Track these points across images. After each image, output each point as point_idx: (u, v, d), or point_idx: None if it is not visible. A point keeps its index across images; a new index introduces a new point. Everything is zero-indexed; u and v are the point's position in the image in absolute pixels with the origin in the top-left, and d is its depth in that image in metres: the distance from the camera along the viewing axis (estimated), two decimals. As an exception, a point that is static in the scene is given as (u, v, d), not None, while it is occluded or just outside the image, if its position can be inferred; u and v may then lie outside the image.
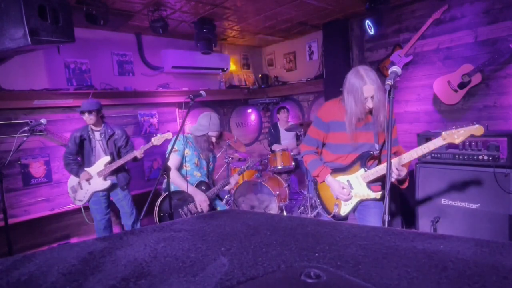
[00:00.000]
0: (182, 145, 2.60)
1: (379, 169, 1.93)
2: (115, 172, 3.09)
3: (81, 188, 3.06)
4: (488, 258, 0.60)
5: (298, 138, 4.72)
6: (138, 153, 2.94)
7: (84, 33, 3.76)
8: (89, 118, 2.94)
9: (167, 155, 2.29)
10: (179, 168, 2.64)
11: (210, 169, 2.85)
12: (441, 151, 2.87)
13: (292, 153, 4.33)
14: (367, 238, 0.73)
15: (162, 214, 2.52)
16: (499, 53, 3.19)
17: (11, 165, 3.32)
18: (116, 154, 3.11)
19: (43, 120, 2.84)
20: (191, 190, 2.56)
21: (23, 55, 3.27)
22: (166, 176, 2.10)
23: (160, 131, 4.50)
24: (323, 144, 2.16)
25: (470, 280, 0.52)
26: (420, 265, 0.58)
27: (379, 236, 0.73)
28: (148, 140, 2.86)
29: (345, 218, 2.12)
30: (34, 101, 3.40)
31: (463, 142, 2.70)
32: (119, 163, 2.98)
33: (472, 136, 1.65)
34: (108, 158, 3.03)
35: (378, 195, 1.98)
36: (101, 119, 3.05)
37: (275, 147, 4.70)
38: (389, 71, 1.57)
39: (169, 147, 2.60)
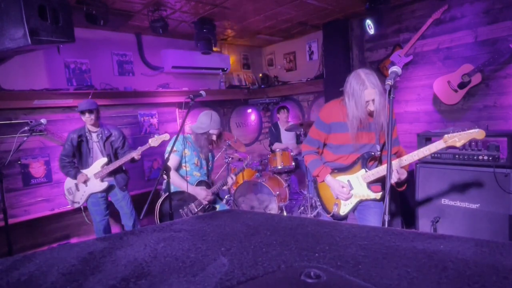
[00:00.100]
0: (181, 145, 2.60)
1: (380, 170, 1.94)
2: (113, 173, 3.08)
3: (78, 190, 3.05)
4: (488, 258, 0.60)
5: (298, 138, 4.72)
6: (135, 154, 2.91)
7: (84, 33, 3.76)
8: (89, 118, 2.94)
9: (166, 155, 2.29)
10: (178, 169, 2.64)
11: (209, 168, 2.85)
12: (441, 151, 2.87)
13: (292, 153, 4.33)
14: (367, 238, 0.73)
15: (163, 215, 2.52)
16: (499, 53, 3.19)
17: (11, 165, 3.31)
18: (113, 155, 3.09)
19: (43, 120, 2.84)
20: (191, 189, 2.56)
21: (23, 55, 3.26)
22: (166, 177, 2.10)
23: (160, 131, 4.50)
24: (324, 145, 2.17)
25: (470, 280, 0.52)
26: (420, 265, 0.58)
27: (379, 236, 0.73)
28: (148, 140, 2.85)
29: (345, 217, 2.13)
30: (34, 101, 3.40)
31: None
32: (116, 164, 2.97)
33: (474, 139, 1.66)
34: (105, 160, 3.01)
35: (378, 195, 1.99)
36: (98, 120, 3.05)
37: (276, 146, 4.70)
38: (389, 71, 1.57)
39: (168, 148, 2.60)
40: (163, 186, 2.67)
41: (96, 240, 0.83)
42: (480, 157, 2.63)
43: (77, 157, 3.04)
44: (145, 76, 4.50)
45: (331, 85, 4.35)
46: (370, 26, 3.92)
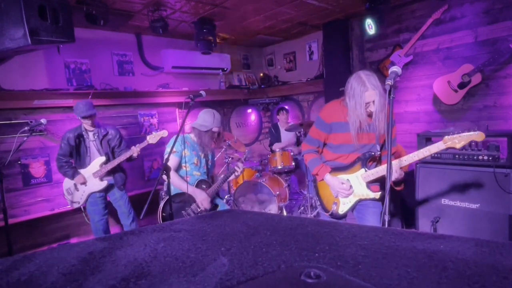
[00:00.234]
0: (181, 146, 2.60)
1: (380, 170, 1.96)
2: (111, 172, 3.07)
3: (77, 190, 3.04)
4: (488, 258, 0.60)
5: (298, 139, 4.72)
6: (134, 151, 2.89)
7: (84, 33, 3.76)
8: (90, 122, 2.94)
9: (166, 155, 2.29)
10: (178, 169, 2.64)
11: (209, 167, 2.85)
12: (441, 152, 2.87)
13: (292, 153, 4.33)
14: (367, 238, 0.73)
15: (165, 217, 2.51)
16: (499, 53, 3.19)
17: (11, 165, 3.31)
18: (111, 154, 3.09)
19: (43, 120, 2.83)
20: (191, 190, 2.56)
21: (23, 55, 3.26)
22: (166, 177, 2.10)
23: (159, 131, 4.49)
24: (324, 144, 2.19)
25: (470, 280, 0.52)
26: (420, 265, 0.58)
27: (379, 236, 0.73)
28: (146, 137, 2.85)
29: (344, 216, 2.15)
30: (34, 101, 3.40)
31: (464, 143, 2.72)
32: (115, 163, 2.96)
33: (473, 141, 1.67)
34: (103, 158, 3.01)
35: (377, 195, 2.01)
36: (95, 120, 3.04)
37: (276, 146, 4.70)
38: (389, 71, 1.58)
39: (167, 148, 2.60)
40: (165, 188, 2.66)
41: (96, 240, 0.83)
42: (480, 157, 2.63)
43: (74, 157, 3.03)
44: (145, 76, 4.50)
45: (331, 85, 4.35)
46: (370, 26, 3.92)
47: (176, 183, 2.56)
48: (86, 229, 3.79)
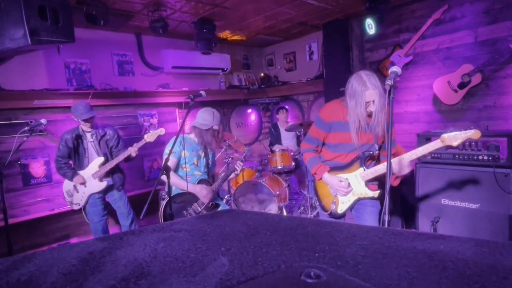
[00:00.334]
0: (179, 147, 2.59)
1: (378, 169, 1.98)
2: (110, 173, 3.07)
3: (77, 192, 3.04)
4: (488, 258, 0.60)
5: (298, 139, 4.72)
6: (132, 150, 2.89)
7: (84, 33, 3.76)
8: (90, 124, 2.94)
9: (166, 156, 2.28)
10: (176, 170, 2.64)
11: (210, 166, 2.85)
12: (441, 151, 2.87)
13: (292, 153, 4.32)
14: (367, 238, 0.73)
15: (167, 217, 2.51)
16: (499, 53, 3.19)
17: (11, 165, 3.31)
18: (109, 154, 3.08)
19: (43, 120, 2.83)
20: (191, 188, 2.55)
21: (23, 55, 3.26)
22: (166, 177, 2.10)
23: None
24: (323, 144, 2.20)
25: (470, 280, 0.52)
26: (420, 265, 0.58)
27: (379, 236, 0.73)
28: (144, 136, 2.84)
29: (342, 215, 2.16)
30: (34, 101, 3.40)
31: (463, 143, 2.72)
32: (113, 163, 2.95)
33: (469, 139, 1.73)
34: (102, 159, 3.00)
35: (376, 193, 2.03)
36: None
37: (276, 147, 4.70)
38: (389, 71, 1.59)
39: (167, 149, 2.60)
40: (166, 188, 2.66)
41: (96, 240, 0.83)
42: (480, 157, 2.63)
43: (73, 158, 3.02)
44: (145, 76, 4.50)
45: (331, 85, 4.35)
46: (370, 26, 3.92)
47: (176, 183, 2.56)
48: (86, 229, 3.79)
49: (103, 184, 3.02)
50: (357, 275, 0.55)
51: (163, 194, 2.74)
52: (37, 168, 3.57)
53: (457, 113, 3.62)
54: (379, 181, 2.06)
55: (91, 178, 2.99)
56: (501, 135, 2.69)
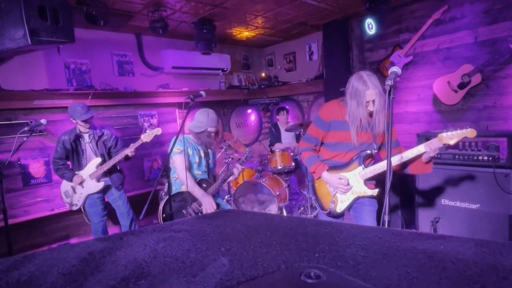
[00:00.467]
0: (183, 145, 2.59)
1: (377, 168, 1.99)
2: (108, 173, 3.06)
3: (75, 193, 3.03)
4: (488, 259, 0.60)
5: (298, 138, 4.72)
6: (129, 151, 2.88)
7: (84, 33, 3.76)
8: (88, 124, 2.94)
9: (173, 156, 2.26)
10: (190, 168, 2.60)
11: (210, 166, 2.84)
12: (441, 152, 2.87)
13: (292, 154, 4.32)
14: (367, 238, 0.73)
15: (166, 217, 2.51)
16: (499, 54, 3.19)
17: (11, 166, 3.31)
18: (107, 155, 3.07)
19: (43, 121, 2.83)
20: (200, 195, 2.54)
21: (23, 55, 3.26)
22: (166, 177, 2.10)
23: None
24: (322, 143, 2.21)
25: (470, 280, 0.52)
26: (420, 265, 0.58)
27: (379, 237, 0.73)
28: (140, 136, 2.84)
29: (341, 214, 2.17)
30: (34, 102, 3.40)
31: (463, 143, 2.74)
32: (110, 163, 2.95)
33: (466, 138, 1.78)
34: (99, 160, 2.99)
35: (375, 192, 2.04)
36: None
37: (276, 146, 4.70)
38: (389, 72, 1.60)
39: (175, 149, 2.59)
40: (165, 188, 2.66)
41: (95, 240, 0.83)
42: (480, 157, 2.63)
43: (70, 159, 3.01)
44: (145, 77, 4.50)
45: (331, 85, 4.35)
46: (371, 26, 3.92)
47: (189, 186, 2.50)
48: (86, 230, 3.79)
49: (100, 185, 3.02)
50: (357, 275, 0.55)
51: (162, 194, 2.74)
52: (37, 168, 3.57)
53: (457, 113, 3.62)
54: (376, 180, 2.07)
55: (88, 178, 2.99)
56: (501, 135, 2.69)
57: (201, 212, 2.59)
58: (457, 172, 2.73)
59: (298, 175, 5.05)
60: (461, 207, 2.71)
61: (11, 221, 2.98)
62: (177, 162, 2.53)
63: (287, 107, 5.07)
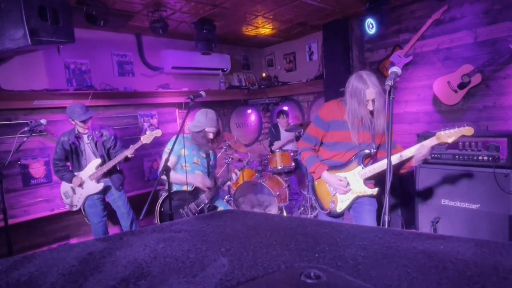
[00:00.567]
0: (178, 145, 2.58)
1: (377, 167, 2.00)
2: (108, 173, 3.06)
3: (75, 193, 3.03)
4: (488, 259, 0.60)
5: (298, 138, 4.72)
6: (128, 152, 2.87)
7: (84, 33, 3.76)
8: (87, 125, 2.93)
9: (165, 155, 2.26)
10: (175, 168, 2.64)
11: (211, 167, 2.84)
12: (441, 152, 2.87)
13: (292, 154, 4.33)
14: (367, 238, 0.73)
15: (163, 215, 2.51)
16: (499, 54, 3.19)
17: (11, 166, 3.31)
18: (106, 155, 3.07)
19: (43, 121, 2.83)
20: (191, 178, 2.55)
21: (23, 55, 3.26)
22: (166, 177, 2.10)
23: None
24: (321, 143, 2.21)
25: (470, 280, 0.52)
26: (420, 265, 0.58)
27: (379, 237, 0.73)
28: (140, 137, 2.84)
29: (341, 214, 2.17)
30: (34, 102, 3.40)
31: (463, 143, 2.74)
32: (110, 164, 2.94)
33: (463, 136, 1.80)
34: (99, 161, 2.99)
35: (374, 191, 2.04)
36: None
37: (276, 144, 4.70)
38: (389, 72, 1.61)
39: (166, 149, 2.60)
40: (166, 187, 2.66)
41: (95, 240, 0.83)
42: (480, 158, 2.63)
43: (70, 160, 3.01)
44: (145, 77, 4.50)
45: (331, 85, 4.36)
46: (371, 25, 3.92)
47: (175, 177, 2.55)
48: (85, 230, 3.79)
49: (100, 186, 3.02)
50: (357, 275, 0.55)
51: (163, 194, 2.74)
52: (37, 169, 3.57)
53: (457, 114, 3.62)
54: (377, 179, 2.08)
55: (88, 179, 2.99)
56: (501, 136, 2.69)
57: (199, 213, 2.60)
58: (457, 172, 2.73)
59: (298, 175, 5.05)
60: (461, 207, 2.71)
61: (11, 221, 2.98)
62: (162, 160, 2.58)
63: (286, 108, 5.07)
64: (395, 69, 1.59)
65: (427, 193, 2.91)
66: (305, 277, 0.53)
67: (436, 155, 2.89)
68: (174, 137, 2.44)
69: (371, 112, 1.97)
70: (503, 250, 0.63)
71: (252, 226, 0.87)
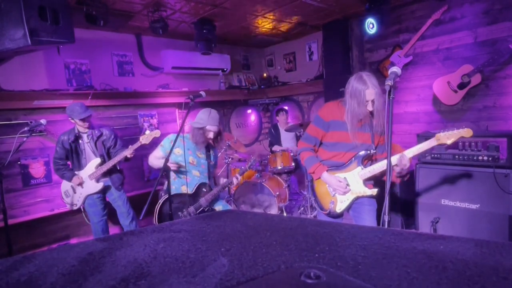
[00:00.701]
0: (170, 144, 2.56)
1: (376, 167, 2.00)
2: (108, 173, 3.06)
3: (75, 192, 3.03)
4: (488, 259, 0.60)
5: (298, 139, 4.72)
6: (127, 152, 2.88)
7: (84, 33, 3.76)
8: (87, 124, 2.94)
9: (159, 150, 2.28)
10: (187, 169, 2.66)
11: (210, 167, 2.83)
12: (441, 152, 2.87)
13: (292, 154, 4.33)
14: (367, 238, 0.73)
15: (162, 217, 2.51)
16: (499, 54, 3.19)
17: (11, 166, 3.31)
18: (106, 155, 3.07)
19: (43, 121, 2.83)
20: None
21: (23, 55, 3.26)
22: (166, 178, 2.10)
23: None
24: (321, 143, 2.21)
25: (470, 280, 0.52)
26: (420, 265, 0.58)
27: (379, 237, 0.73)
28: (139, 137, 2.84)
29: (341, 215, 2.18)
30: (34, 102, 3.40)
31: (463, 143, 2.74)
32: (110, 164, 2.94)
33: (463, 137, 1.82)
34: (98, 160, 2.99)
35: (374, 191, 2.05)
36: None
37: (276, 148, 4.70)
38: (389, 72, 1.61)
39: (160, 145, 2.61)
40: (164, 187, 2.66)
41: (95, 240, 0.83)
42: (480, 158, 2.63)
43: (70, 159, 3.02)
44: (145, 77, 4.50)
45: (331, 85, 4.36)
46: (371, 25, 3.91)
47: (152, 161, 2.65)
48: (85, 230, 3.79)
49: (100, 185, 3.02)
50: (357, 275, 0.55)
51: (162, 194, 2.73)
52: (37, 169, 3.57)
53: (457, 114, 3.62)
54: (376, 179, 2.08)
55: (87, 179, 2.99)
56: (501, 136, 2.69)
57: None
58: (457, 172, 2.73)
59: (298, 175, 5.05)
60: (461, 207, 2.70)
61: (11, 221, 2.98)
62: (153, 151, 2.66)
63: (286, 107, 5.07)
64: (395, 69, 1.59)
65: (427, 193, 2.91)
66: (305, 277, 0.53)
67: (436, 155, 2.89)
68: (170, 135, 2.43)
69: (371, 113, 1.97)
70: (503, 250, 0.63)
71: (252, 226, 0.87)
